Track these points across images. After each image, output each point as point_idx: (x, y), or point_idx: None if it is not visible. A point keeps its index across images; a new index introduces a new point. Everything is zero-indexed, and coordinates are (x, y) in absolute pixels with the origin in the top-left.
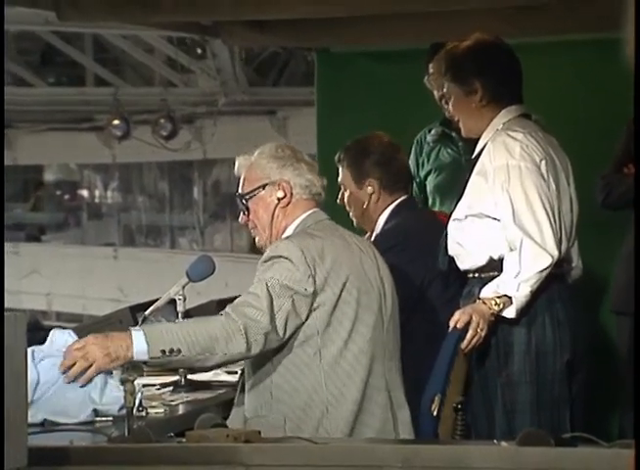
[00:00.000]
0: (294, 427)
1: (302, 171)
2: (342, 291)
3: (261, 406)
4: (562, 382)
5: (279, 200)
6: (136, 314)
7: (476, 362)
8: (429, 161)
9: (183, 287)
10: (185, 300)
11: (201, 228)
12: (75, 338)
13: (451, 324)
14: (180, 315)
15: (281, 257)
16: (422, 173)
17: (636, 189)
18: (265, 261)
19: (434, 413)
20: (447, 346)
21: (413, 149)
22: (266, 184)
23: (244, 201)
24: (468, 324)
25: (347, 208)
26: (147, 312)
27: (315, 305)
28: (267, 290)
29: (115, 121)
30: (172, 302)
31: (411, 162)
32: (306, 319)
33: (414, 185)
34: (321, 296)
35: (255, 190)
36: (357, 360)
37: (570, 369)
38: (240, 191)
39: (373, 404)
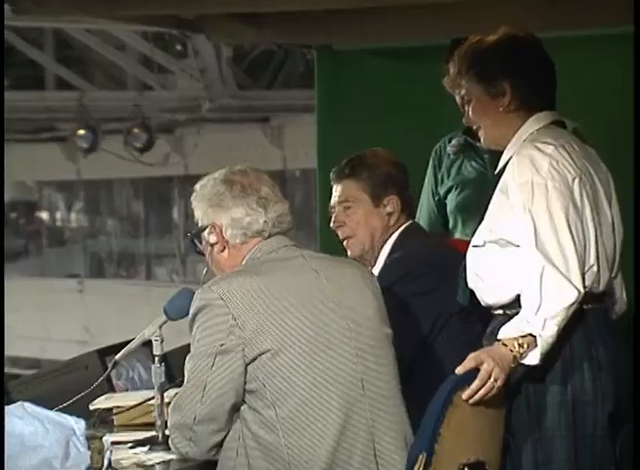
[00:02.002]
0: None
1: (244, 210)
2: (284, 333)
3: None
4: (604, 438)
5: (212, 245)
6: (105, 359)
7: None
8: (449, 176)
9: (160, 326)
10: (163, 341)
11: (182, 256)
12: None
13: (457, 369)
14: (157, 360)
15: (198, 312)
16: (441, 191)
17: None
18: (191, 321)
19: None
20: (439, 395)
21: (431, 162)
22: (203, 227)
23: (192, 239)
24: (476, 371)
25: (344, 233)
26: (118, 357)
27: (250, 355)
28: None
29: (81, 131)
30: (148, 343)
31: (428, 177)
32: (245, 374)
33: (431, 205)
34: (256, 343)
35: (197, 231)
36: (322, 412)
37: (613, 422)
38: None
39: (350, 459)
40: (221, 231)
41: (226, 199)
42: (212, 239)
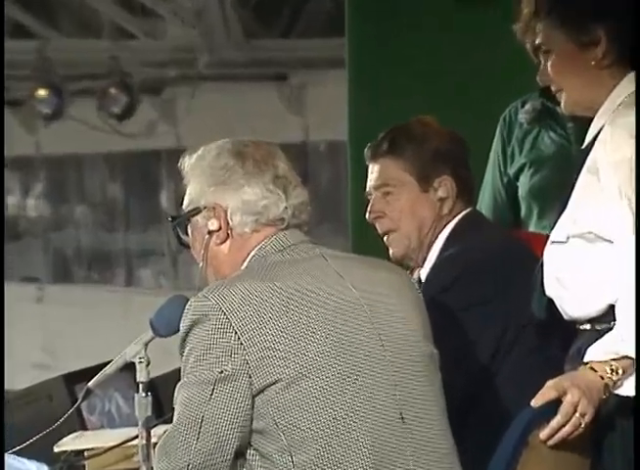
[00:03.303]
0: None
1: (259, 191)
2: (301, 356)
3: None
4: None
5: (210, 233)
6: (74, 387)
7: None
8: (521, 151)
9: (146, 345)
10: (149, 364)
11: (172, 254)
12: None
13: (533, 401)
14: (141, 388)
15: (192, 328)
16: (511, 170)
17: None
18: (182, 341)
19: None
20: (510, 434)
21: (498, 133)
22: (198, 209)
23: (176, 226)
24: (557, 402)
25: (384, 226)
26: (91, 384)
27: (258, 384)
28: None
29: (42, 92)
30: (130, 367)
31: (494, 153)
32: (252, 408)
33: (498, 189)
34: (265, 369)
35: (187, 214)
36: (351, 459)
37: None
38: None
39: None
40: (226, 216)
41: (236, 175)
42: (213, 225)
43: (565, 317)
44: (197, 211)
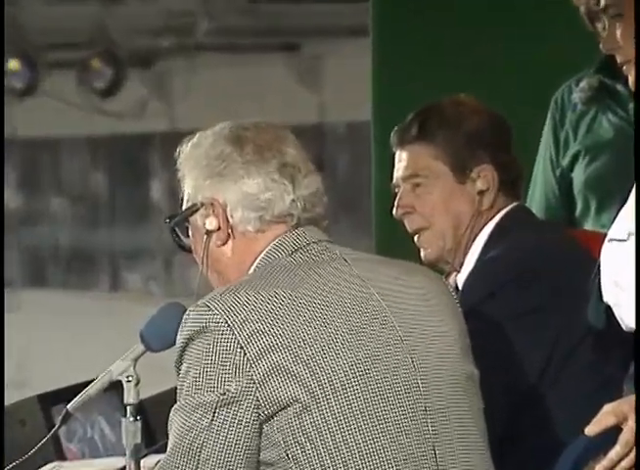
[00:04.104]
0: None
1: (262, 181)
2: (319, 376)
3: None
4: None
5: (209, 234)
6: (50, 410)
7: None
8: (576, 136)
9: (135, 361)
10: (138, 383)
11: (165, 254)
12: None
13: (587, 428)
14: (130, 411)
15: (191, 341)
16: (565, 159)
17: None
18: (179, 357)
19: None
20: (561, 466)
21: (549, 117)
22: (195, 206)
23: (174, 228)
24: (616, 430)
25: (414, 223)
26: (70, 406)
27: (267, 408)
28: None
29: (12, 64)
30: (116, 387)
31: (545, 140)
32: (260, 436)
33: (549, 181)
34: (276, 390)
35: (184, 213)
36: None
37: None
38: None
39: None
40: (225, 212)
41: (234, 164)
42: (211, 224)
43: (623, 328)
44: (194, 208)
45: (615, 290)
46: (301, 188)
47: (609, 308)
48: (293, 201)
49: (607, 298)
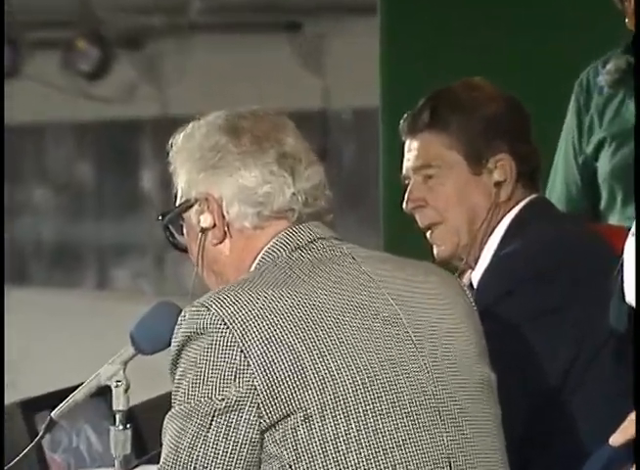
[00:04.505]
0: None
1: (259, 174)
2: (326, 383)
3: None
4: None
5: (204, 231)
6: (33, 417)
7: None
8: (602, 122)
9: (125, 364)
10: (128, 389)
11: (156, 250)
12: None
13: (612, 438)
14: (119, 419)
15: (187, 343)
16: (589, 147)
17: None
18: (174, 360)
19: None
20: None
21: (572, 102)
22: (189, 202)
23: (168, 226)
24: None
25: (426, 217)
26: (55, 414)
27: (270, 416)
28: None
29: None
30: (104, 392)
31: (567, 126)
32: (260, 446)
33: (572, 170)
34: (279, 398)
35: (178, 209)
36: None
37: None
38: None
39: None
40: (221, 208)
41: (229, 156)
42: (206, 221)
43: (634, 337)
44: (187, 204)
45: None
46: (302, 180)
47: (632, 310)
48: (293, 194)
49: (629, 297)
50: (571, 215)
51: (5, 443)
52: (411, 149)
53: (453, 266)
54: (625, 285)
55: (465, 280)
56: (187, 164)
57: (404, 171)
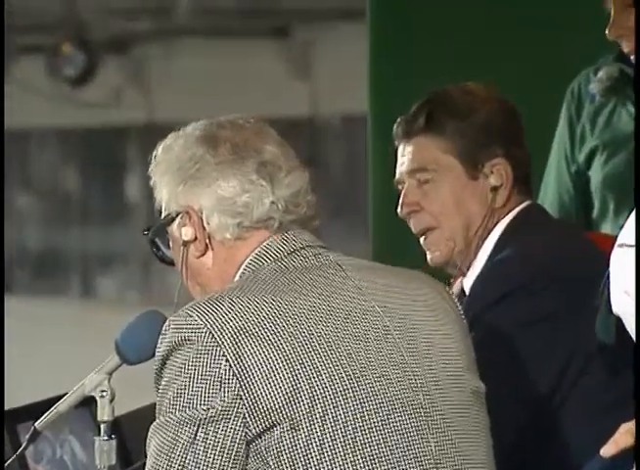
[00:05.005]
0: None
1: (237, 183)
2: (312, 393)
3: None
4: None
5: (186, 244)
6: (16, 428)
7: None
8: (594, 130)
9: (110, 374)
10: (113, 399)
11: (142, 258)
12: None
13: (603, 450)
14: (103, 430)
15: (172, 353)
16: (581, 155)
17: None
18: (158, 370)
19: None
20: None
21: (564, 110)
22: (172, 215)
23: (154, 240)
24: (634, 452)
25: (420, 223)
26: (38, 424)
27: (255, 426)
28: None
29: None
30: (89, 403)
31: (559, 134)
32: (246, 457)
33: (564, 179)
34: (265, 407)
35: (161, 224)
36: None
37: None
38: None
39: None
40: (201, 220)
41: (207, 166)
42: (187, 234)
43: (636, 341)
44: (170, 219)
45: (625, 299)
46: (282, 188)
47: (619, 321)
48: (272, 203)
49: (616, 308)
50: (566, 223)
51: None
52: (405, 153)
53: (445, 274)
54: (612, 297)
55: (456, 286)
56: (166, 177)
57: (398, 176)
